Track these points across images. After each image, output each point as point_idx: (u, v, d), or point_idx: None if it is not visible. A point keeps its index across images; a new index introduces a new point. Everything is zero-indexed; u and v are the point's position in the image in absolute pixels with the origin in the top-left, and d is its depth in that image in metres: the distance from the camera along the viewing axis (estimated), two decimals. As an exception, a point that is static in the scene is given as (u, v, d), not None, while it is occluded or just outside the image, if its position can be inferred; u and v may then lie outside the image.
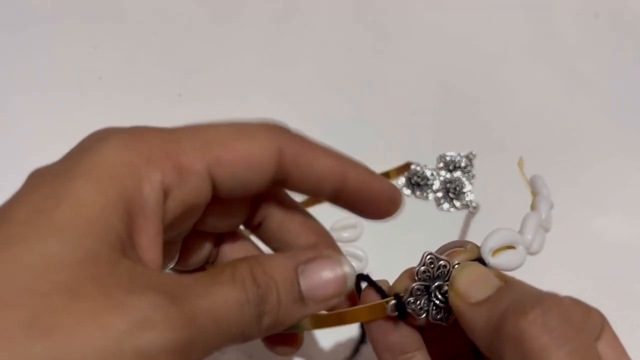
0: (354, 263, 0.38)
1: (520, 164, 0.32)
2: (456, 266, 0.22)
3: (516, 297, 0.20)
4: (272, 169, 0.21)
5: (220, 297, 0.18)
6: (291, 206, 0.25)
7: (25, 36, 0.46)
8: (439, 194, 0.41)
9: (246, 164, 0.21)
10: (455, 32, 0.48)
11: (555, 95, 0.46)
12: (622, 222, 0.41)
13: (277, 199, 0.25)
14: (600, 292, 0.39)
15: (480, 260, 0.22)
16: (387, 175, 0.41)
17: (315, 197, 0.24)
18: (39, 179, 0.18)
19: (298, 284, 0.20)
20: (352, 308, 0.22)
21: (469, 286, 0.21)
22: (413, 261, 0.23)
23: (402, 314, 0.21)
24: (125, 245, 0.17)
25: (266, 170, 0.21)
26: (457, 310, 0.21)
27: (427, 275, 0.22)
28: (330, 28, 0.48)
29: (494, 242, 0.22)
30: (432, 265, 0.22)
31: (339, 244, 0.38)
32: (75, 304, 0.15)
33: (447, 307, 0.22)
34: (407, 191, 0.41)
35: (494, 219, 0.40)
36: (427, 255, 0.22)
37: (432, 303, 0.22)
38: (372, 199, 0.24)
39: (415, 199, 0.41)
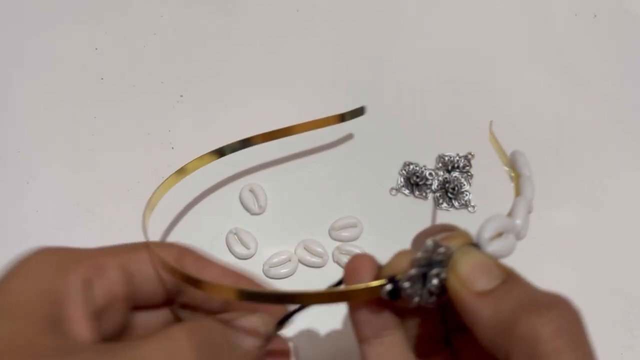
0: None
1: (491, 128, 0.31)
2: (454, 251, 0.22)
3: (526, 295, 0.20)
4: (164, 289, 0.24)
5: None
6: (206, 264, 0.26)
7: (26, 37, 0.47)
8: (438, 194, 0.41)
9: (149, 272, 0.24)
10: (454, 33, 0.49)
11: (554, 96, 0.46)
12: (624, 224, 0.41)
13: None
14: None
15: (475, 246, 0.22)
16: (342, 117, 0.41)
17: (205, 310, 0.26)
18: None
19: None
20: (347, 288, 0.22)
21: (472, 273, 0.21)
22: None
23: (395, 297, 0.21)
24: (55, 324, 0.20)
25: (159, 290, 0.25)
26: (458, 297, 0.21)
27: (425, 262, 0.22)
28: (330, 29, 0.48)
29: (491, 230, 0.22)
30: (432, 252, 0.21)
31: (339, 244, 0.39)
32: None
33: (440, 292, 0.22)
34: (406, 191, 0.41)
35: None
36: (429, 242, 0.21)
37: (426, 288, 0.22)
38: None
39: (414, 198, 0.41)
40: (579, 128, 0.45)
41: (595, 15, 0.50)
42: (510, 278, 0.21)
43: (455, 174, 0.42)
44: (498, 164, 0.43)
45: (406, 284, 0.21)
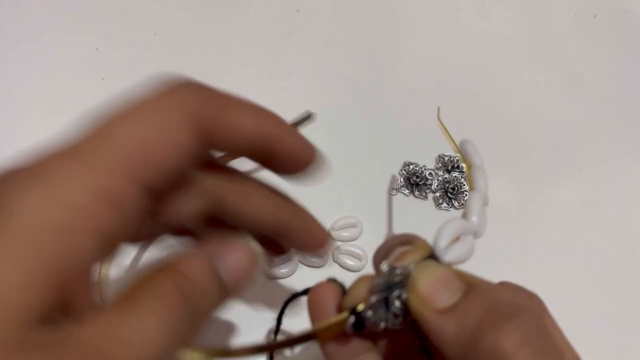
0: (354, 263, 0.38)
1: (439, 116, 0.30)
2: (412, 268, 0.21)
3: (487, 306, 0.19)
4: (193, 141, 0.20)
5: (146, 336, 0.17)
6: (245, 179, 0.24)
7: (26, 37, 0.47)
8: (438, 194, 0.41)
9: (165, 152, 0.19)
10: (454, 33, 0.49)
11: (554, 96, 0.46)
12: (624, 223, 0.41)
13: (226, 177, 0.23)
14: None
15: (434, 257, 0.21)
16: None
17: (237, 155, 0.23)
18: None
19: (219, 277, 0.20)
20: (311, 330, 0.22)
21: (432, 290, 0.20)
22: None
23: (360, 328, 0.21)
24: (46, 311, 0.16)
25: (187, 146, 0.20)
26: (421, 317, 0.20)
27: (384, 287, 0.21)
28: (330, 29, 0.48)
29: (447, 238, 0.21)
30: (389, 276, 0.21)
31: (339, 244, 0.39)
32: None
33: (405, 312, 0.21)
34: (406, 191, 0.41)
35: (492, 218, 0.40)
36: (382, 266, 0.21)
37: (390, 312, 0.21)
38: (291, 156, 0.24)
39: (414, 198, 0.41)
40: (579, 128, 0.45)
41: (595, 16, 0.50)
42: (471, 289, 0.20)
43: (455, 174, 0.42)
44: (498, 164, 0.43)
45: (369, 313, 0.21)
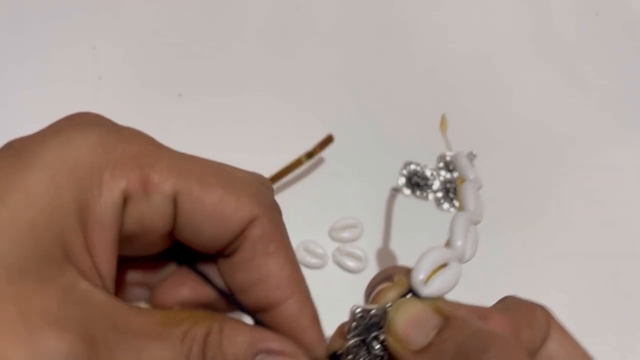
0: (354, 263, 0.38)
1: (444, 123, 0.28)
2: (389, 308, 0.20)
3: (459, 343, 0.19)
4: (235, 234, 0.20)
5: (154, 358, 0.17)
6: (274, 245, 0.21)
7: (24, 35, 0.46)
8: (439, 194, 0.41)
9: (213, 214, 0.19)
10: (456, 32, 0.48)
11: (556, 95, 0.46)
12: (627, 224, 0.41)
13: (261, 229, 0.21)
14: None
15: (414, 291, 0.20)
16: (311, 153, 0.40)
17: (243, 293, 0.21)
18: (2, 159, 0.18)
19: None
20: None
21: (408, 329, 0.19)
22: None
23: None
24: (72, 252, 0.16)
25: (228, 232, 0.20)
26: (399, 358, 0.20)
27: (361, 329, 0.20)
28: (331, 27, 0.48)
29: (425, 270, 0.20)
30: (362, 319, 0.20)
31: (339, 244, 0.39)
32: None
33: (388, 353, 0.20)
34: (407, 191, 0.41)
35: (495, 218, 0.40)
36: (355, 310, 0.20)
37: (372, 354, 0.20)
38: (293, 332, 0.22)
39: (415, 199, 0.41)
40: (581, 126, 0.44)
41: (597, 14, 0.50)
42: (446, 324, 0.19)
43: (457, 173, 0.41)
44: (499, 164, 0.42)
45: (349, 357, 0.20)
